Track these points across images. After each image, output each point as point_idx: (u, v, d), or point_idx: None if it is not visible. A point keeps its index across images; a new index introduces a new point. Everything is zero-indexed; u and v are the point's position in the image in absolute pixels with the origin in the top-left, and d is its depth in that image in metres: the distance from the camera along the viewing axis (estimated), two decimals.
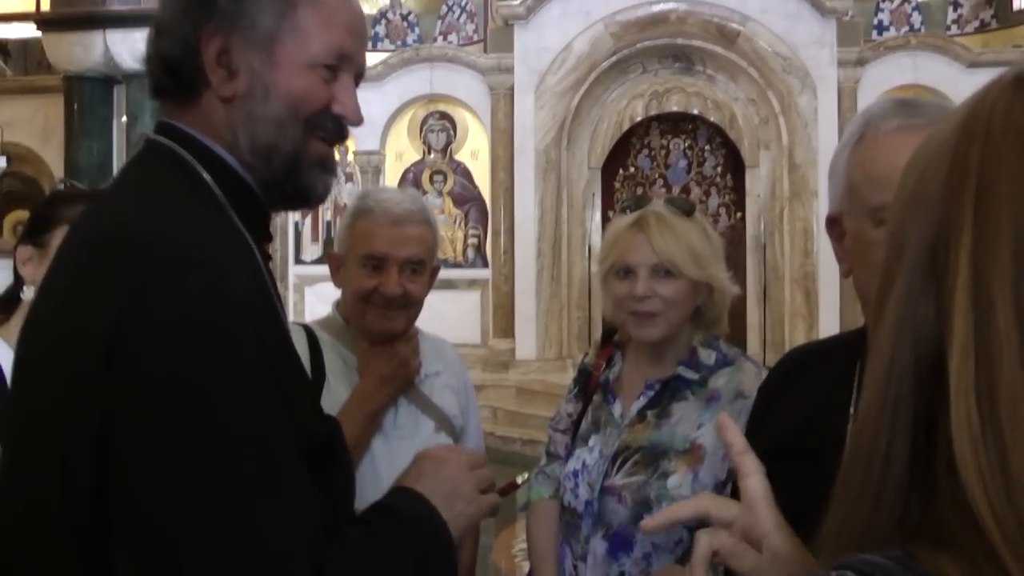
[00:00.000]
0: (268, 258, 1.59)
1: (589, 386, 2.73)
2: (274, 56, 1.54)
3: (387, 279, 2.57)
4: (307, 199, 1.65)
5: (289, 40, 1.55)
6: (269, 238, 1.67)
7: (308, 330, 2.69)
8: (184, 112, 1.57)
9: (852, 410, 1.68)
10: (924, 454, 0.78)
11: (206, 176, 1.52)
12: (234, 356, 1.33)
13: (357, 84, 1.66)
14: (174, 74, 1.55)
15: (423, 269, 2.65)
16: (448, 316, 13.31)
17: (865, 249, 1.61)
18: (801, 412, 1.81)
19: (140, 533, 1.30)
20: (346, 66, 1.60)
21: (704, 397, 2.52)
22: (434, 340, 2.88)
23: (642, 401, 2.57)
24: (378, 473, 2.53)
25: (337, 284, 2.72)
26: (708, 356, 2.57)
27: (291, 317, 14.54)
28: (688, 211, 2.58)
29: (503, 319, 13.91)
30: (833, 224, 1.72)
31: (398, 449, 2.59)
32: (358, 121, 1.65)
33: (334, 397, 2.57)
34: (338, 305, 2.75)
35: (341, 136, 1.63)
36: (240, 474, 1.31)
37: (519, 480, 2.56)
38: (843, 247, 1.69)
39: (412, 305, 2.63)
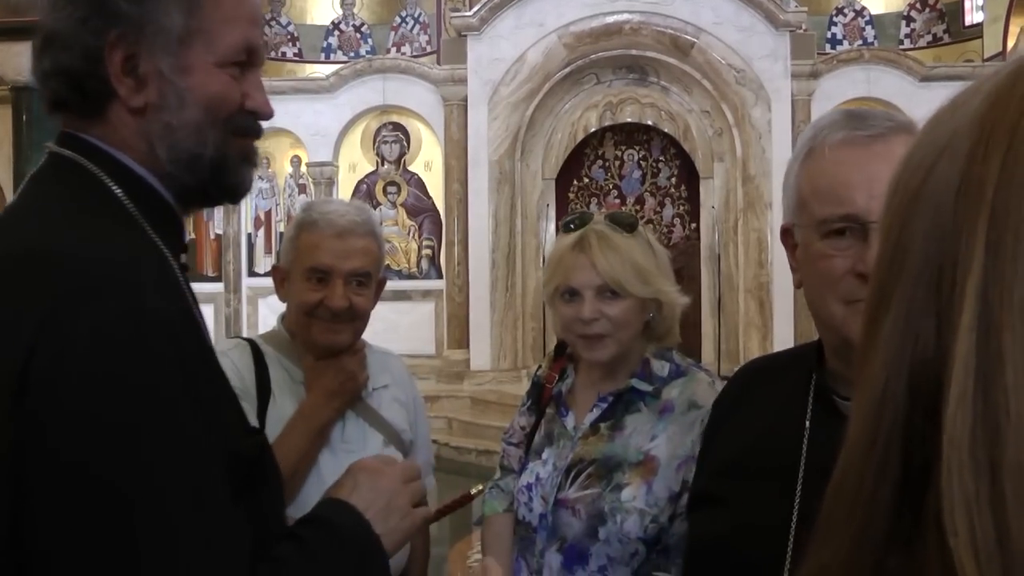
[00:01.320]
0: (185, 269, 1.53)
1: (542, 399, 2.69)
2: (183, 60, 1.46)
3: (332, 292, 2.52)
4: (234, 197, 1.60)
5: (197, 41, 1.47)
6: (184, 248, 1.60)
7: (253, 344, 2.63)
8: (89, 124, 1.48)
9: (807, 424, 1.67)
10: (911, 505, 0.68)
11: (116, 189, 1.45)
12: (152, 385, 1.27)
13: None
14: (77, 88, 1.46)
15: (369, 282, 2.60)
16: (402, 327, 13.31)
17: (812, 260, 1.61)
18: (756, 428, 1.80)
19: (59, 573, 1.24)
20: (253, 59, 1.55)
21: (657, 408, 2.48)
22: (382, 353, 2.83)
23: (595, 413, 2.53)
24: (325, 488, 2.48)
25: (282, 298, 2.66)
26: (661, 368, 2.53)
27: (244, 330, 14.51)
28: (631, 226, 2.54)
29: (457, 330, 13.87)
30: (787, 235, 1.72)
31: (345, 463, 2.51)
32: (269, 115, 1.59)
33: (280, 412, 2.52)
34: (283, 319, 2.69)
35: (257, 131, 1.59)
36: (162, 509, 1.25)
37: (473, 492, 2.51)
38: (796, 258, 1.69)
39: (358, 318, 2.58)
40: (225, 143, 1.51)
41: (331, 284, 2.53)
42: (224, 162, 1.52)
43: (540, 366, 2.81)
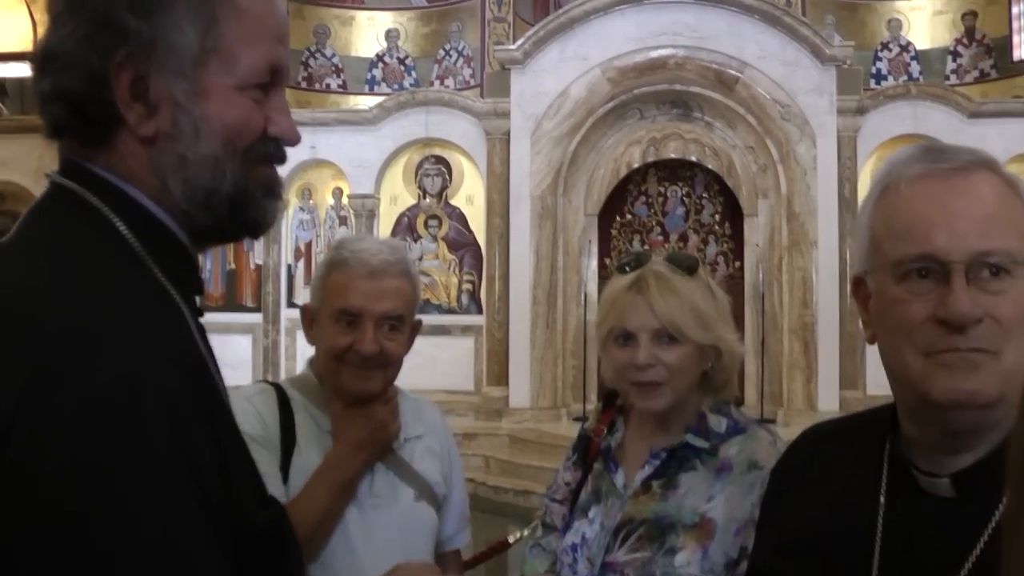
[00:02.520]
0: (199, 313, 1.39)
1: (589, 453, 2.55)
2: (200, 83, 1.32)
3: (362, 336, 2.39)
4: (255, 232, 1.45)
5: (215, 62, 1.33)
6: (200, 291, 1.44)
7: (279, 389, 2.51)
8: (95, 152, 1.34)
9: (882, 500, 1.51)
10: None
11: (120, 226, 1.30)
12: (146, 476, 1.12)
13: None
14: (79, 113, 1.31)
15: (402, 325, 2.47)
16: (441, 362, 13.22)
17: (887, 307, 1.46)
18: (823, 501, 1.63)
19: None
20: (277, 80, 1.41)
21: (714, 467, 2.33)
22: (415, 401, 2.69)
23: (647, 470, 2.38)
24: (351, 546, 2.38)
25: (310, 340, 2.54)
26: (718, 423, 2.38)
27: (282, 361, 14.49)
28: (691, 268, 2.40)
29: (497, 366, 13.74)
30: (858, 286, 1.56)
31: (374, 520, 2.43)
32: (295, 140, 1.44)
33: (305, 462, 2.40)
34: (312, 362, 2.56)
35: (282, 158, 1.44)
36: None
37: (511, 539, 2.38)
38: (868, 311, 1.53)
39: (390, 364, 2.45)
40: (245, 175, 1.37)
41: (361, 327, 2.40)
42: (244, 197, 1.38)
43: (587, 418, 2.66)
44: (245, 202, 1.38)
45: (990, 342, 1.37)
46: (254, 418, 2.40)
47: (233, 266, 15.05)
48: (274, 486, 2.35)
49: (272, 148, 1.41)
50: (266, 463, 2.38)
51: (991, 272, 1.38)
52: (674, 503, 2.31)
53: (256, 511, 1.36)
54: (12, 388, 1.10)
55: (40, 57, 1.34)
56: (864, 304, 1.55)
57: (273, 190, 1.43)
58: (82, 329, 1.15)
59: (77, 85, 1.30)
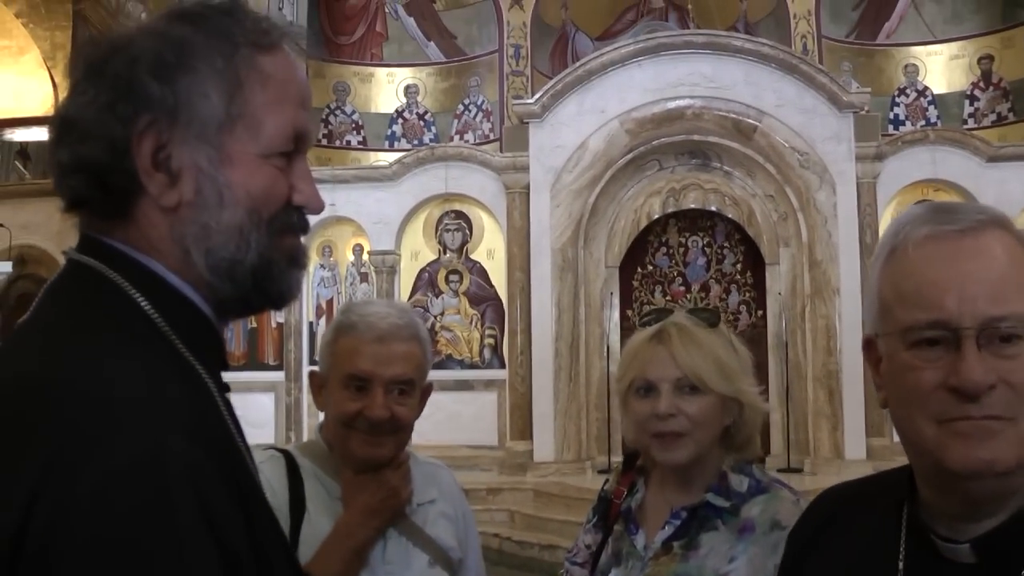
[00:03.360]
0: (226, 388, 1.34)
1: (609, 515, 2.50)
2: (224, 150, 1.28)
3: (372, 401, 2.36)
4: (279, 304, 1.40)
5: (240, 128, 1.29)
6: (225, 366, 1.39)
7: (288, 456, 2.47)
8: (113, 226, 1.29)
9: (901, 565, 1.46)
10: None
11: (142, 301, 1.25)
12: (171, 547, 1.08)
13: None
14: (100, 184, 1.27)
15: (412, 390, 2.43)
16: (464, 417, 13.19)
17: (898, 374, 1.41)
18: (841, 566, 1.58)
19: None
20: (301, 147, 1.37)
21: (736, 527, 2.28)
22: (428, 465, 2.66)
23: (668, 531, 2.34)
24: None
25: (319, 407, 2.51)
26: (740, 482, 2.33)
27: (304, 420, 14.47)
28: (713, 322, 2.38)
29: (520, 420, 13.67)
30: (870, 348, 1.52)
31: None
32: (319, 209, 1.40)
33: (315, 530, 2.36)
34: (321, 429, 2.53)
35: (305, 227, 1.40)
36: None
37: None
38: (880, 374, 1.49)
39: (400, 430, 2.42)
40: (270, 245, 1.33)
41: (371, 393, 2.37)
42: (268, 267, 1.33)
43: (607, 480, 2.62)
44: (270, 272, 1.34)
45: (1005, 408, 1.33)
46: (263, 485, 2.38)
47: (255, 324, 15.07)
48: None
49: (296, 217, 1.37)
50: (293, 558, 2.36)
51: (1004, 338, 1.34)
52: (695, 564, 2.26)
53: None
54: (30, 478, 1.06)
55: (58, 126, 1.30)
56: (876, 367, 1.51)
57: (297, 260, 1.40)
58: (101, 411, 1.11)
59: (98, 155, 1.26)
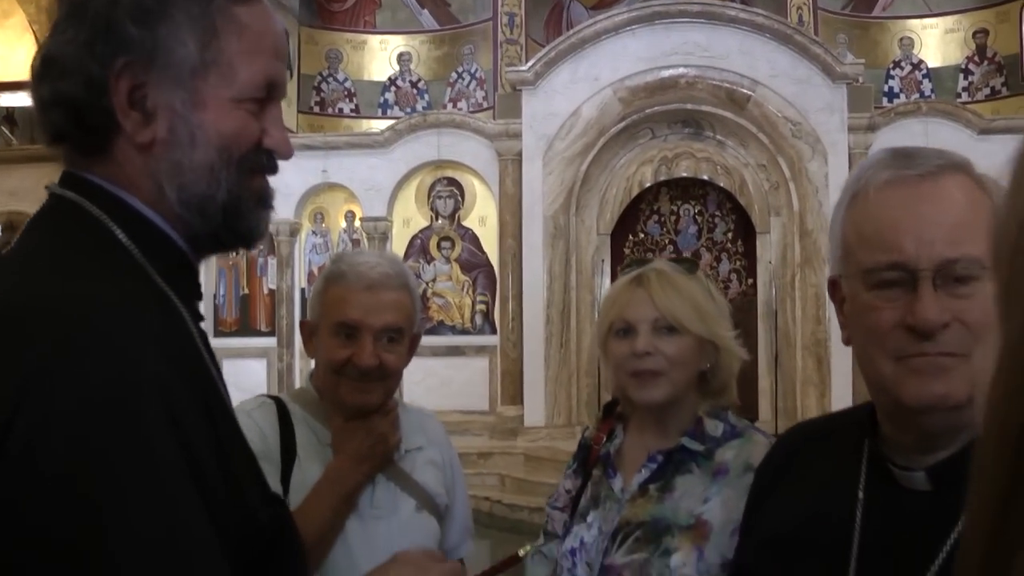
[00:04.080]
0: (200, 319, 1.41)
1: (589, 461, 2.56)
2: (198, 94, 1.35)
3: (361, 349, 2.40)
4: (249, 242, 1.48)
5: (214, 74, 1.35)
6: (200, 296, 1.47)
7: (279, 403, 2.52)
8: (92, 162, 1.36)
9: (860, 496, 1.53)
10: None
11: (120, 233, 1.32)
12: (141, 456, 1.14)
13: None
14: (78, 120, 1.34)
15: (401, 338, 2.48)
16: (456, 383, 13.24)
17: (859, 314, 1.49)
18: (804, 499, 1.66)
19: None
20: (273, 94, 1.43)
21: (710, 470, 2.34)
22: (416, 413, 2.71)
23: (644, 474, 2.40)
24: (352, 558, 2.38)
25: (310, 354, 2.56)
26: (715, 427, 2.39)
27: (296, 385, 14.44)
28: (691, 270, 2.44)
29: (511, 386, 13.74)
30: (834, 288, 1.59)
31: (375, 531, 2.44)
32: (288, 154, 1.47)
33: (305, 476, 2.41)
34: (312, 377, 2.58)
35: (274, 169, 1.47)
36: None
37: (521, 553, 2.39)
38: (844, 314, 1.56)
39: (389, 377, 2.46)
40: (239, 184, 1.40)
41: (360, 340, 2.41)
42: (238, 205, 1.40)
43: (588, 427, 2.68)
44: (238, 209, 1.41)
45: (959, 346, 1.39)
46: (254, 432, 2.42)
47: (247, 291, 15.09)
48: None
49: (265, 159, 1.43)
50: (267, 476, 2.40)
51: (959, 279, 1.40)
52: (670, 506, 2.32)
53: (260, 508, 1.38)
54: (10, 391, 1.12)
55: (40, 62, 1.37)
56: (840, 307, 1.57)
57: (265, 200, 1.46)
58: (79, 330, 1.17)
59: (76, 91, 1.32)
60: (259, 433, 2.42)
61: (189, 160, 1.35)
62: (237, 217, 1.41)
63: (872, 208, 1.47)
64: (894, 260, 1.43)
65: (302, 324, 2.59)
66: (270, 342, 14.72)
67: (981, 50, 17.14)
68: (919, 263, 1.40)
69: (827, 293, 1.64)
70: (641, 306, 2.38)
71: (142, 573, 1.12)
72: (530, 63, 13.95)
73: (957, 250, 1.39)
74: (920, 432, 1.46)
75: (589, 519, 2.43)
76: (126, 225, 1.33)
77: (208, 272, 14.86)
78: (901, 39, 17.61)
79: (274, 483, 2.39)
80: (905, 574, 1.41)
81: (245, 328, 15.02)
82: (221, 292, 15.06)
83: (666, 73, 13.49)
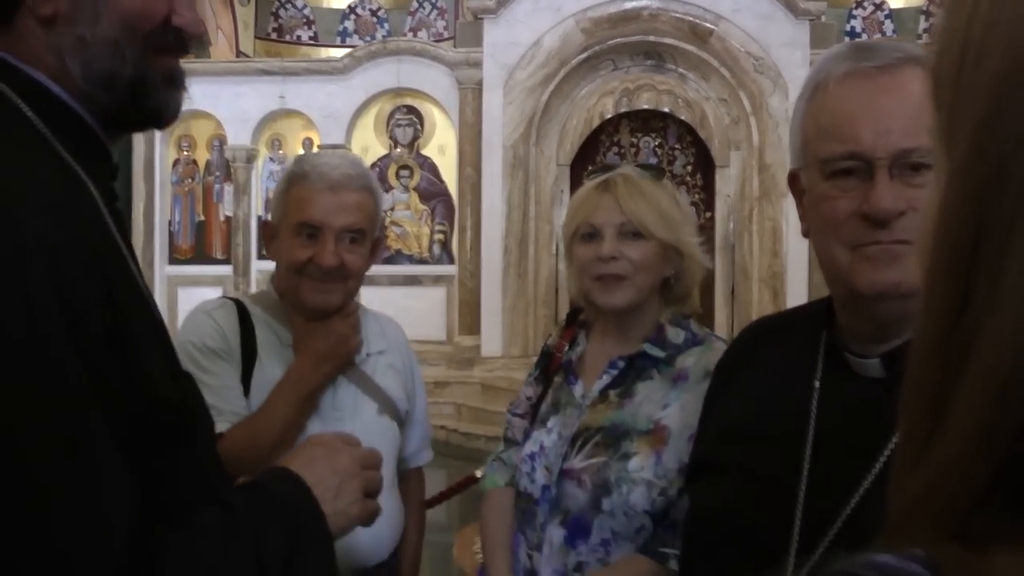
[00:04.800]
0: (114, 198, 1.37)
1: (550, 368, 2.57)
2: None
3: (323, 249, 2.39)
4: (158, 122, 1.44)
5: None
6: (113, 176, 1.43)
7: (239, 304, 2.50)
8: None
9: (816, 385, 1.55)
10: None
11: (23, 106, 1.28)
12: (22, 317, 1.11)
13: None
14: None
15: (363, 239, 2.46)
16: (413, 312, 13.21)
17: (817, 204, 1.50)
18: (761, 390, 1.68)
19: None
20: None
21: (671, 376, 2.35)
22: (378, 317, 2.70)
23: (605, 380, 2.40)
24: None
25: (271, 255, 2.53)
26: (676, 335, 2.40)
27: None
28: (658, 177, 2.43)
29: (469, 316, 13.76)
30: (794, 181, 1.60)
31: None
32: (199, 32, 1.43)
33: (267, 376, 2.41)
34: (272, 279, 2.56)
35: (184, 49, 1.42)
36: (26, 468, 1.10)
37: (478, 474, 2.39)
38: (803, 206, 1.58)
39: (350, 278, 2.45)
40: (146, 61, 1.35)
41: (322, 240, 2.40)
42: (144, 83, 1.36)
43: (551, 335, 2.68)
44: (145, 88, 1.37)
45: (913, 233, 1.40)
46: (215, 331, 2.40)
47: (203, 218, 14.97)
48: (235, 399, 2.36)
49: (173, 37, 1.40)
50: (228, 376, 2.38)
51: (914, 168, 1.41)
52: (630, 411, 2.33)
53: (166, 383, 1.33)
54: None
55: None
56: (800, 199, 1.59)
57: (175, 80, 1.43)
58: None
59: None
60: (220, 333, 2.40)
61: (92, 35, 1.31)
62: (144, 96, 1.38)
63: (831, 100, 1.48)
64: (851, 150, 1.44)
65: (263, 225, 2.57)
66: (226, 270, 14.63)
67: None
68: (875, 153, 1.41)
69: (787, 185, 1.64)
70: (607, 211, 2.37)
71: (19, 456, 1.10)
72: None
73: (913, 140, 1.40)
74: (874, 320, 1.48)
75: (549, 424, 2.44)
76: (31, 100, 1.30)
77: (163, 198, 14.74)
78: None
79: (236, 382, 2.38)
80: (859, 459, 1.42)
81: (200, 256, 14.92)
82: (176, 219, 14.94)
83: (629, 5, 13.40)
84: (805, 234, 1.58)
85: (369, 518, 1.60)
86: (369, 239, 2.49)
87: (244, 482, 1.46)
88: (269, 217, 2.56)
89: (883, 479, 1.39)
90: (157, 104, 1.40)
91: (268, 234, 2.53)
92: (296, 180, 2.46)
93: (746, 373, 1.75)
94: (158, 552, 1.18)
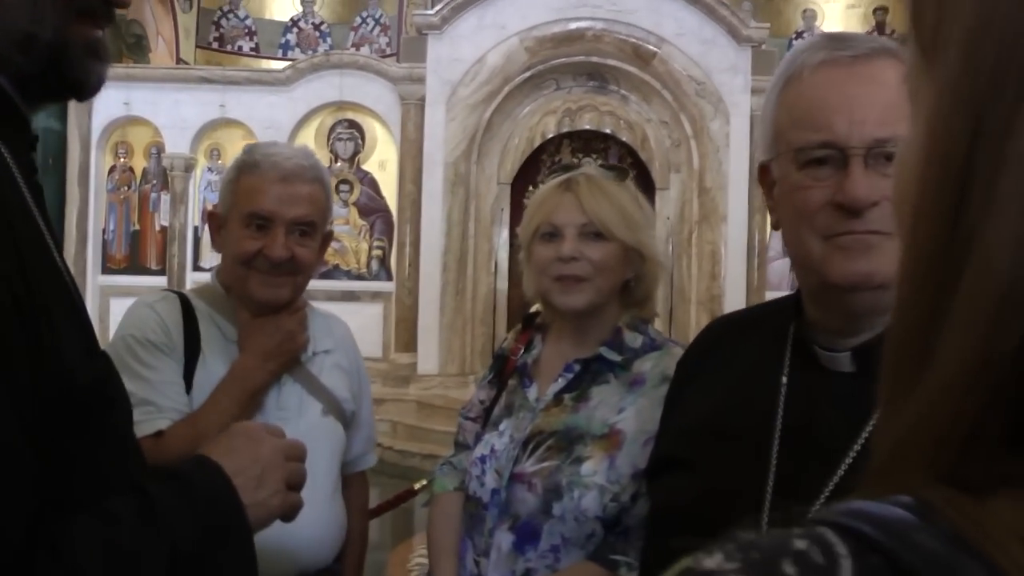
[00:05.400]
0: (33, 171, 1.31)
1: (505, 371, 2.52)
2: None
3: (273, 241, 2.32)
4: (79, 92, 1.36)
5: None
6: (32, 147, 1.36)
7: (183, 298, 2.42)
8: None
9: (784, 379, 1.52)
10: None
11: None
12: None
13: None
14: None
15: (314, 232, 2.40)
16: (350, 328, 13.08)
17: (789, 193, 1.48)
18: (727, 384, 1.65)
19: None
20: None
21: (627, 381, 2.31)
22: (326, 316, 2.65)
23: (560, 383, 2.36)
24: None
25: (217, 247, 2.46)
26: (634, 339, 2.36)
27: None
28: (620, 176, 2.40)
29: (405, 333, 13.68)
30: (764, 173, 1.59)
31: None
32: (125, 1, 1.36)
33: (210, 372, 2.33)
34: (218, 272, 2.48)
35: (109, 17, 1.35)
36: None
37: (416, 487, 2.33)
38: (773, 198, 1.56)
39: (300, 272, 2.39)
40: (66, 27, 1.28)
41: (272, 232, 2.33)
42: (65, 50, 1.29)
43: (506, 339, 2.63)
44: (66, 54, 1.30)
45: (886, 224, 1.39)
46: (157, 325, 2.33)
47: (138, 227, 14.76)
48: (177, 395, 2.29)
49: (96, 3, 1.33)
50: (169, 371, 2.31)
51: (888, 158, 1.40)
52: (584, 415, 2.28)
53: (80, 361, 1.27)
54: None
55: None
56: (769, 191, 1.57)
57: (97, 51, 1.35)
58: None
59: None
60: (162, 327, 2.33)
61: None
62: (65, 64, 1.31)
63: (805, 89, 1.47)
64: (825, 139, 1.43)
65: (210, 215, 2.50)
66: (160, 281, 14.40)
67: (880, 26, 17.52)
68: (850, 142, 1.40)
69: (757, 179, 1.64)
70: (569, 210, 2.33)
71: None
72: (437, 7, 13.82)
73: (888, 130, 1.39)
74: (846, 312, 1.47)
75: (501, 427, 2.39)
76: None
77: (97, 206, 14.52)
78: (804, 11, 17.92)
79: (177, 378, 2.31)
80: (827, 456, 1.40)
81: (134, 266, 14.69)
82: (111, 227, 14.71)
83: (573, 25, 13.46)
84: (775, 226, 1.56)
85: (291, 511, 1.55)
86: (320, 233, 2.44)
87: (162, 469, 1.38)
88: (215, 207, 2.48)
89: (853, 474, 1.37)
90: (79, 74, 1.33)
91: (215, 224, 2.46)
92: (247, 169, 2.39)
93: (711, 368, 1.72)
94: (63, 539, 1.13)
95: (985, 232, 0.48)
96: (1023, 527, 0.45)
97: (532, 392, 2.40)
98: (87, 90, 1.35)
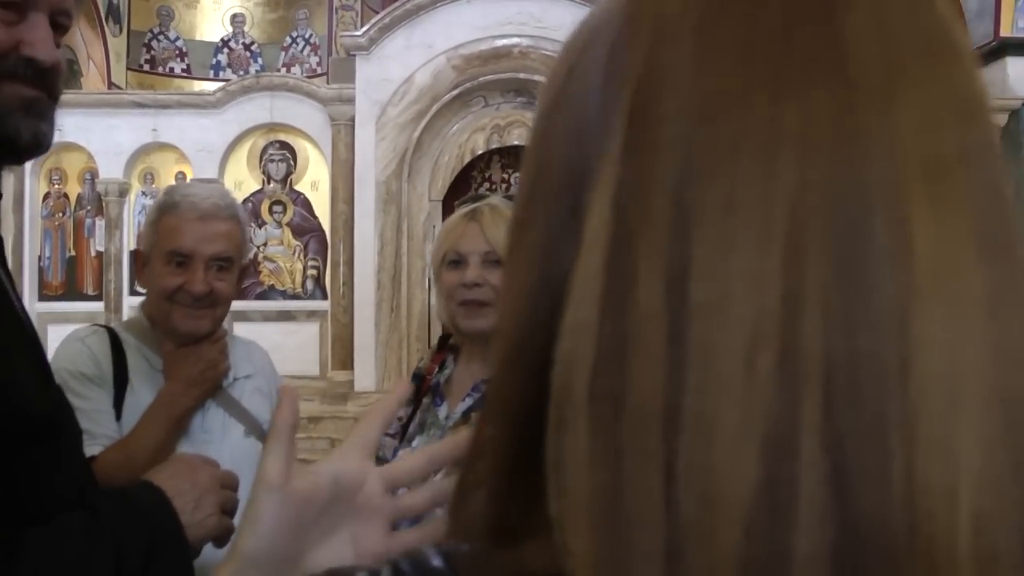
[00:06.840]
0: None
1: (421, 390, 2.68)
2: None
3: (193, 276, 2.49)
4: (13, 150, 1.41)
5: None
6: None
7: (111, 332, 2.59)
8: None
9: None
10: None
11: None
12: None
13: (55, 22, 1.43)
14: None
15: (231, 267, 2.57)
16: (286, 348, 13.14)
17: None
18: None
19: None
20: (33, 4, 1.39)
21: None
22: (245, 343, 2.81)
23: (468, 402, 2.53)
24: None
25: (142, 284, 2.63)
26: None
27: None
28: None
29: (342, 351, 13.72)
30: None
31: (205, 454, 2.51)
32: (51, 61, 1.41)
33: (138, 400, 2.49)
34: (143, 306, 2.65)
35: (41, 79, 1.41)
36: None
37: None
38: None
39: (219, 304, 2.56)
40: None
41: (192, 268, 2.50)
42: None
43: (423, 358, 2.80)
44: None
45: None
46: (88, 358, 2.49)
47: (73, 253, 14.69)
48: (108, 422, 2.44)
49: (24, 67, 1.39)
50: (101, 400, 2.46)
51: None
52: None
53: (35, 394, 1.37)
54: None
55: None
56: None
57: (31, 108, 1.40)
58: None
59: None
60: (93, 359, 2.48)
61: None
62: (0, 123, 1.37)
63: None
64: None
65: (135, 253, 2.67)
66: (97, 307, 14.31)
67: None
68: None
69: None
70: (473, 239, 2.49)
71: None
72: (365, 28, 13.91)
73: None
74: None
75: (415, 444, 2.55)
76: None
77: (32, 233, 14.46)
78: None
79: (108, 406, 2.46)
80: None
81: (71, 292, 14.60)
82: (46, 254, 14.63)
83: (500, 42, 13.59)
84: None
85: (225, 533, 1.70)
86: (237, 266, 2.60)
87: (109, 490, 1.52)
88: (139, 245, 2.65)
89: None
90: (10, 132, 1.38)
91: (140, 262, 2.62)
92: (167, 209, 2.55)
93: None
94: (17, 549, 1.22)
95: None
96: (533, 567, 0.51)
97: (443, 410, 2.57)
98: (23, 147, 1.41)
